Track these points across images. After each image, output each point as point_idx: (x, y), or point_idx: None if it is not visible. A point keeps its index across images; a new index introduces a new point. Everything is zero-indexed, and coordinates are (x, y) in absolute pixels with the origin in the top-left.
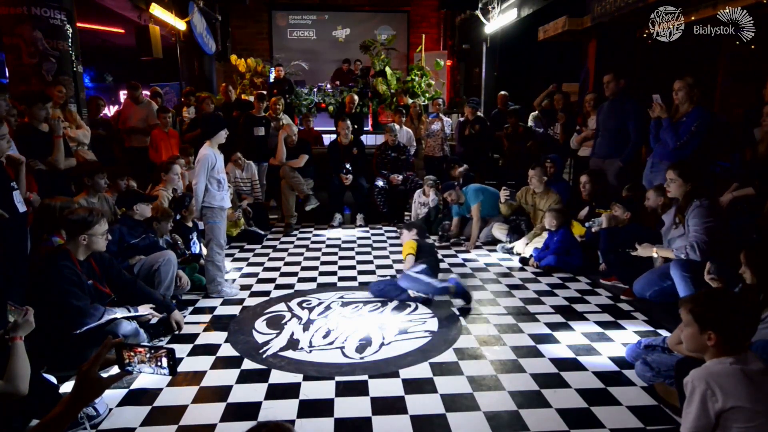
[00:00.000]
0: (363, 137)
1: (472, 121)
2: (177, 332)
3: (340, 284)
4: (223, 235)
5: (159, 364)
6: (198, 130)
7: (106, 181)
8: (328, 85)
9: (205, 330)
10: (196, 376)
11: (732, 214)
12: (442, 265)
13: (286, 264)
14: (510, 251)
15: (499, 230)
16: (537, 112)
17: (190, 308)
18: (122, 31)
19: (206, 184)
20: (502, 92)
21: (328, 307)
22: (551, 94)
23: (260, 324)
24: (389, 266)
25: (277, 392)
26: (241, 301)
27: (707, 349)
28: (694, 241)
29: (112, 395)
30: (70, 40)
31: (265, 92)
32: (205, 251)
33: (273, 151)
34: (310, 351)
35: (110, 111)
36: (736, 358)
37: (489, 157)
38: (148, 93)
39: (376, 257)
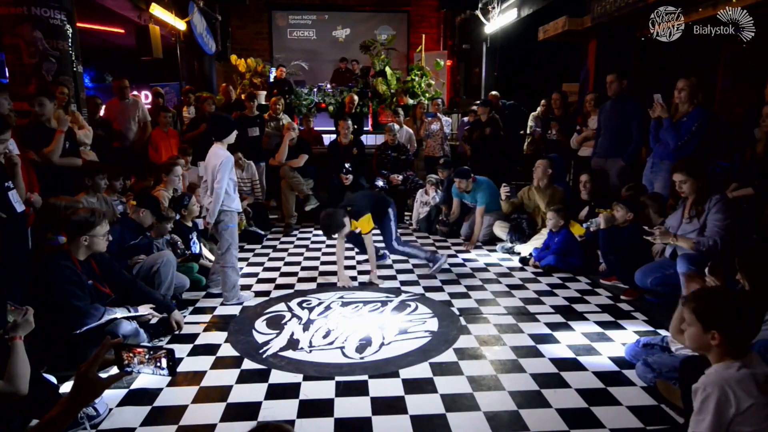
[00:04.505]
0: (363, 137)
1: (484, 124)
2: (177, 332)
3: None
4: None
5: (158, 364)
6: (197, 130)
7: (106, 182)
8: (328, 85)
9: (205, 330)
10: (196, 376)
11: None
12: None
13: (286, 264)
14: (510, 251)
15: (500, 228)
16: (537, 111)
17: (190, 308)
18: (122, 31)
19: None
20: (493, 92)
21: (328, 307)
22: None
23: (260, 324)
24: (389, 266)
25: (277, 392)
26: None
27: (711, 348)
28: (717, 237)
29: (112, 395)
30: (70, 40)
31: (258, 92)
32: (205, 251)
33: (269, 150)
34: (310, 351)
35: None
36: (743, 361)
37: (500, 163)
38: (149, 93)
39: None
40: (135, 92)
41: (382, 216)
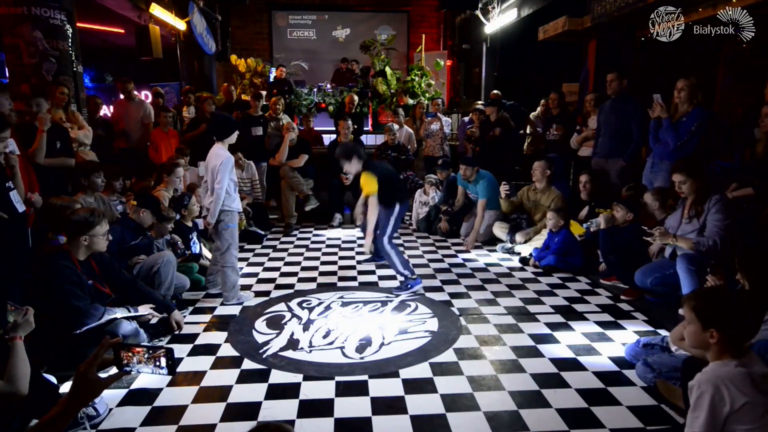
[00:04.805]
0: (363, 137)
1: (493, 124)
2: (177, 332)
3: (340, 284)
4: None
5: (158, 364)
6: (197, 130)
7: (103, 180)
8: (328, 85)
9: (205, 330)
10: (196, 376)
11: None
12: (442, 265)
13: (286, 264)
14: (510, 251)
15: (499, 228)
16: (537, 111)
17: (190, 308)
18: (122, 31)
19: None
20: (495, 92)
21: (328, 307)
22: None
23: (260, 324)
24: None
25: (277, 392)
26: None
27: (709, 346)
28: (717, 237)
29: (112, 395)
30: (70, 40)
31: (261, 91)
32: (205, 251)
33: (271, 151)
34: (310, 351)
35: (110, 111)
36: (740, 360)
37: (509, 166)
38: (149, 93)
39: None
40: (135, 92)
41: (387, 205)
